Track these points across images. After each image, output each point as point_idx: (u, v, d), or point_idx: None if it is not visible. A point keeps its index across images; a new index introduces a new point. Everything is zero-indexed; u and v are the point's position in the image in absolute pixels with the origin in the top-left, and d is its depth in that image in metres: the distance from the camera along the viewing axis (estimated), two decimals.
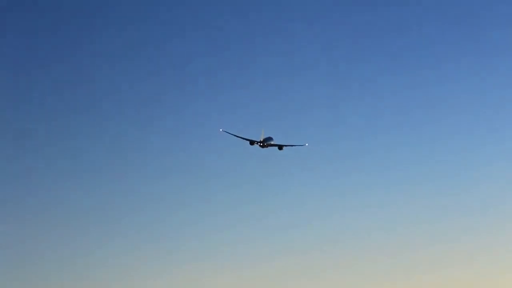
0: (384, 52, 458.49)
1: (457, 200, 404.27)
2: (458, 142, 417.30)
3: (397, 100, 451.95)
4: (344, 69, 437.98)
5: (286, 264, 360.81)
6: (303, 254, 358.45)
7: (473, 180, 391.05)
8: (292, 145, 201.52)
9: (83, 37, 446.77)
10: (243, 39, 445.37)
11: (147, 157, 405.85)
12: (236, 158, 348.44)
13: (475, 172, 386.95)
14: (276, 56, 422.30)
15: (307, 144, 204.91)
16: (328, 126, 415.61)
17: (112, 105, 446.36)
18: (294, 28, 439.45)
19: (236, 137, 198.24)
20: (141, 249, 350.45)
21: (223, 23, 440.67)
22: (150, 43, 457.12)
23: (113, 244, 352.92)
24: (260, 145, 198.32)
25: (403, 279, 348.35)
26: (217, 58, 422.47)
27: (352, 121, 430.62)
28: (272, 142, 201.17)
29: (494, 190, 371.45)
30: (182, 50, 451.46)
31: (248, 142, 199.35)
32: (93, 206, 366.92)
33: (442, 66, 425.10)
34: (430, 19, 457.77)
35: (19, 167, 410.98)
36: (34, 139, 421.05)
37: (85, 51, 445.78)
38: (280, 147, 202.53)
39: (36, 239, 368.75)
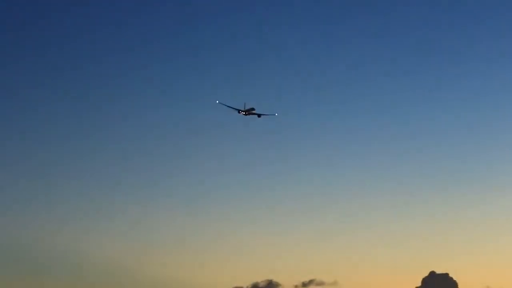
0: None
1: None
2: None
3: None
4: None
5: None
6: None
7: None
8: (266, 114, 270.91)
9: None
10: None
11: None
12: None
13: None
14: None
15: (276, 114, 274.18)
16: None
17: None
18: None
19: (228, 107, 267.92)
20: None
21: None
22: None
23: None
24: (244, 113, 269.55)
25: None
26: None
27: None
28: (253, 112, 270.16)
29: None
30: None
31: (237, 111, 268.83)
32: None
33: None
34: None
35: None
36: None
37: None
38: (259, 115, 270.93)
39: None
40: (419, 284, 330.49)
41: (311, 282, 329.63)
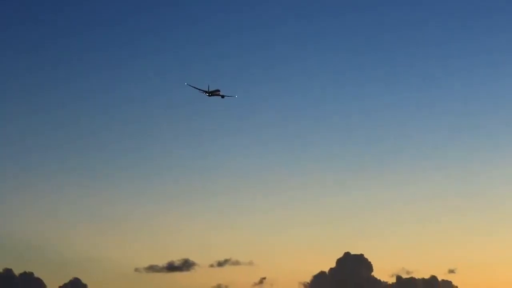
0: None
1: None
2: None
3: None
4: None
5: None
6: None
7: None
8: (229, 96, 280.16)
9: None
10: None
11: None
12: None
13: None
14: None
15: (236, 96, 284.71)
16: None
17: None
18: None
19: (195, 88, 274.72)
20: None
21: None
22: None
23: None
24: (208, 94, 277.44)
25: None
26: None
27: None
28: (217, 93, 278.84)
29: None
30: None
31: (203, 92, 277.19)
32: None
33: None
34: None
35: None
36: None
37: None
38: (222, 96, 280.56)
39: None
40: (333, 265, 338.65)
41: (226, 261, 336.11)
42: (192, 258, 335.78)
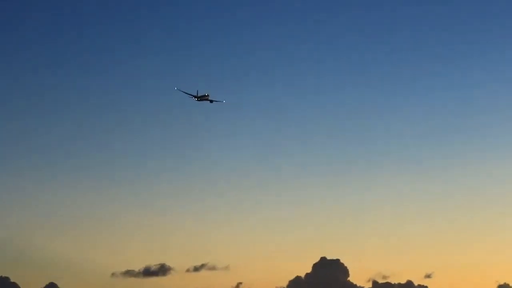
0: None
1: None
2: None
3: None
4: None
5: None
6: None
7: None
8: (217, 101, 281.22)
9: None
10: None
11: None
12: None
13: None
14: None
15: (224, 101, 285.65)
16: None
17: None
18: None
19: (184, 93, 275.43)
20: None
21: None
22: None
23: None
24: (196, 99, 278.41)
25: None
26: None
27: None
28: (205, 98, 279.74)
29: None
30: None
31: (192, 97, 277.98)
32: None
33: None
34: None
35: None
36: None
37: None
38: (211, 101, 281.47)
39: None
40: (309, 269, 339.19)
41: (203, 266, 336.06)
42: (168, 263, 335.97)
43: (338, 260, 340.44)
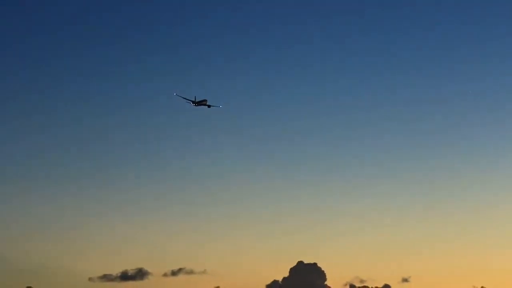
0: None
1: None
2: None
3: None
4: None
5: None
6: None
7: None
8: (214, 106, 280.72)
9: None
10: None
11: None
12: None
13: None
14: None
15: (221, 106, 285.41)
16: None
17: None
18: None
19: (183, 98, 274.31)
20: None
21: None
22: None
23: None
24: (194, 104, 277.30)
25: None
26: None
27: None
28: (203, 103, 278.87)
29: None
30: None
31: (190, 102, 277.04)
32: None
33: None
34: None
35: None
36: None
37: None
38: (209, 106, 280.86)
39: None
40: (287, 273, 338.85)
41: (180, 270, 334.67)
42: (146, 267, 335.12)
43: (315, 264, 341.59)
